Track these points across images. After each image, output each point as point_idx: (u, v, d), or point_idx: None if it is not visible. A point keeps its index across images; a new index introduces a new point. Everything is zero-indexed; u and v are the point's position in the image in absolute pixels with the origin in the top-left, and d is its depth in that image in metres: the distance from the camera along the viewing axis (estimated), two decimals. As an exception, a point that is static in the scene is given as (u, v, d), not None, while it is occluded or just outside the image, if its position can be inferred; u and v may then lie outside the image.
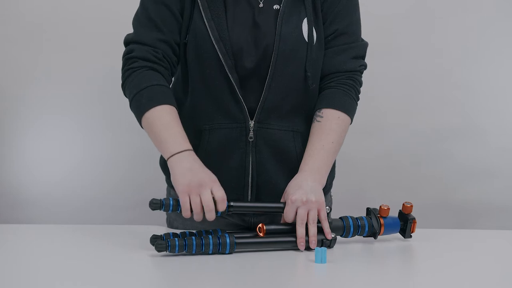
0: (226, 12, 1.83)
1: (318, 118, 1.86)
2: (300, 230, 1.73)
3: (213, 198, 1.69)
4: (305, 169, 1.81)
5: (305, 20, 1.84)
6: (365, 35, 2.01)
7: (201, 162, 1.75)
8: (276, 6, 1.84)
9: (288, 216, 1.75)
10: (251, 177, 1.87)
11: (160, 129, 1.75)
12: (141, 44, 1.81)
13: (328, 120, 1.85)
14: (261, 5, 1.84)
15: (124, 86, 1.84)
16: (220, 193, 1.69)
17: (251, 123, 1.84)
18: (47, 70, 2.62)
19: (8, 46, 2.61)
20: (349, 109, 1.88)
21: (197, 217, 1.70)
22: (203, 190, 1.69)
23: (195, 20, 1.83)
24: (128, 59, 1.82)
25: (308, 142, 1.85)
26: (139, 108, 1.78)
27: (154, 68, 1.80)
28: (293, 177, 1.83)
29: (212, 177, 1.71)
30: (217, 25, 1.81)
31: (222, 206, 1.69)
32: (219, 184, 1.70)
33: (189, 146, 1.75)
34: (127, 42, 1.85)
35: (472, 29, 2.65)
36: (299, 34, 1.83)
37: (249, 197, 1.88)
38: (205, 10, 1.81)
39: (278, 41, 1.81)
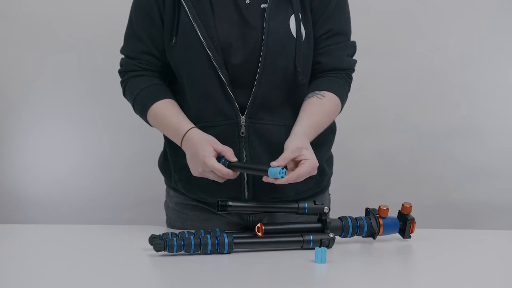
0: (213, 9, 1.85)
1: (319, 96, 1.88)
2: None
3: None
4: (307, 137, 1.81)
5: (292, 17, 1.85)
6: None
7: (195, 141, 1.80)
8: (263, 5, 1.85)
9: (298, 178, 1.74)
10: (247, 174, 1.87)
11: (161, 127, 1.90)
12: (127, 58, 1.94)
13: (330, 102, 1.88)
14: (247, 1, 1.86)
15: (125, 96, 1.97)
16: (219, 172, 1.76)
17: (242, 118, 1.85)
18: (47, 71, 2.62)
19: (9, 47, 2.61)
20: (344, 99, 1.93)
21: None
22: (207, 175, 1.79)
23: (182, 20, 1.85)
24: (120, 73, 1.96)
25: (307, 108, 1.86)
26: (139, 112, 1.92)
27: (142, 74, 1.92)
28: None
29: (204, 161, 1.76)
30: (204, 22, 1.83)
31: (230, 176, 1.77)
32: (213, 163, 1.76)
33: (183, 130, 1.83)
34: (121, 53, 1.96)
35: (472, 29, 2.65)
36: (287, 30, 1.85)
37: (246, 193, 1.88)
38: (190, 9, 1.84)
39: (266, 37, 1.82)
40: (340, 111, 1.93)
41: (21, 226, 2.18)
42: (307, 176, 1.75)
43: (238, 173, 1.79)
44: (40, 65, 2.62)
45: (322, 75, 1.92)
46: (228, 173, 1.77)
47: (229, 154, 1.78)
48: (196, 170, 1.81)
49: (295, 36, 1.85)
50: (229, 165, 1.77)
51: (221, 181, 1.79)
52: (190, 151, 1.82)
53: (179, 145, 1.85)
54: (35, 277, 1.53)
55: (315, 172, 1.76)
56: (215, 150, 1.78)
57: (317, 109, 1.86)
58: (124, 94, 1.96)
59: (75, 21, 2.60)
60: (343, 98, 1.92)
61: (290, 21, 1.85)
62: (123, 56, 1.95)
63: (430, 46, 2.65)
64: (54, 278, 1.53)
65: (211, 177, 1.79)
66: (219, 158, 1.79)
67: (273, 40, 1.83)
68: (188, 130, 1.83)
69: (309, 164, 1.74)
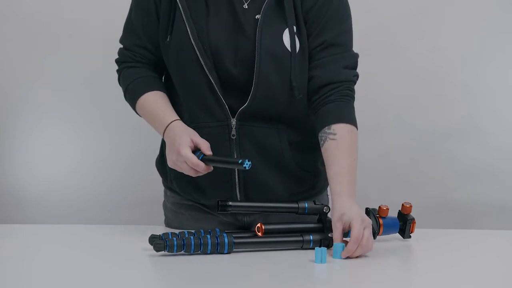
0: (208, 12, 1.84)
1: (331, 136, 1.81)
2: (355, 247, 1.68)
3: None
4: (344, 193, 1.76)
5: (286, 31, 1.82)
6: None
7: (176, 131, 1.81)
8: (258, 16, 1.83)
9: (360, 234, 1.68)
10: (238, 175, 1.87)
11: (147, 118, 1.91)
12: (124, 49, 1.96)
13: (343, 137, 1.81)
14: (245, 6, 1.84)
15: (120, 85, 1.98)
16: (190, 162, 1.76)
17: (233, 120, 1.84)
18: (47, 71, 2.62)
19: (9, 47, 2.61)
20: (355, 119, 1.85)
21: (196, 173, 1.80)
22: (179, 164, 1.79)
23: (177, 20, 1.84)
24: (116, 62, 1.98)
25: (331, 161, 1.80)
26: (130, 102, 1.94)
27: (135, 66, 1.94)
28: (280, 173, 1.87)
29: (178, 149, 1.77)
30: (196, 25, 1.83)
31: (201, 168, 1.76)
32: (187, 152, 1.76)
33: (167, 121, 1.84)
34: (119, 43, 1.98)
35: (472, 29, 2.65)
36: (280, 45, 1.82)
37: (238, 195, 1.88)
38: (185, 10, 1.83)
39: (259, 52, 1.80)
40: (357, 129, 1.85)
41: (21, 226, 2.18)
42: (367, 232, 1.69)
43: (211, 168, 1.78)
44: (40, 65, 2.62)
45: (320, 95, 1.85)
46: (199, 165, 1.76)
47: (205, 147, 1.78)
48: (171, 160, 1.81)
49: (289, 50, 1.82)
50: (203, 158, 1.77)
51: (193, 174, 1.78)
52: (169, 140, 1.82)
53: (162, 136, 1.87)
54: (35, 277, 1.53)
55: (367, 222, 1.71)
56: (192, 142, 1.79)
57: (338, 156, 1.80)
58: (119, 83, 1.98)
59: (75, 21, 2.60)
60: (353, 120, 1.84)
61: (283, 35, 1.82)
62: (121, 46, 1.97)
63: (430, 46, 2.65)
64: (54, 278, 1.53)
65: (184, 168, 1.78)
66: (195, 151, 1.79)
67: (266, 54, 1.81)
68: (172, 121, 1.85)
69: (356, 223, 1.68)
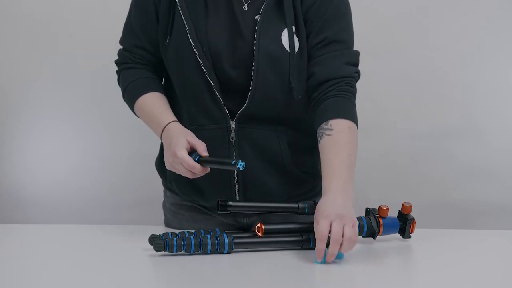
0: (208, 13, 1.83)
1: (327, 132, 1.77)
2: (322, 245, 1.62)
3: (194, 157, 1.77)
4: (331, 189, 1.71)
5: (285, 31, 1.81)
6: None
7: (172, 132, 1.80)
8: (256, 17, 1.81)
9: (322, 230, 1.62)
10: (237, 177, 1.86)
11: (145, 119, 1.91)
12: (123, 50, 1.96)
13: (340, 132, 1.77)
14: (245, 7, 1.83)
15: (119, 84, 1.98)
16: (186, 164, 1.75)
17: (232, 123, 1.84)
18: (47, 71, 2.63)
19: (9, 47, 2.61)
20: (355, 116, 1.82)
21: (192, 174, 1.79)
22: (176, 166, 1.78)
23: (176, 20, 1.83)
24: (116, 63, 1.98)
25: (324, 158, 1.76)
26: (128, 104, 1.94)
27: (134, 67, 1.93)
28: (279, 175, 1.86)
29: (174, 151, 1.76)
30: (195, 25, 1.82)
31: (197, 170, 1.75)
32: (182, 154, 1.75)
33: (164, 123, 1.83)
34: (119, 43, 1.97)
35: (472, 29, 2.65)
36: (279, 45, 1.80)
37: (238, 197, 1.87)
38: (184, 10, 1.82)
39: (257, 53, 1.79)
40: (357, 127, 1.81)
41: (21, 226, 2.18)
42: (336, 226, 1.62)
43: (208, 169, 1.77)
44: (40, 65, 2.62)
45: (321, 91, 1.82)
46: (195, 166, 1.75)
47: (201, 148, 1.77)
48: (167, 161, 1.80)
49: (288, 50, 1.81)
50: (199, 159, 1.77)
51: (190, 176, 1.78)
52: (166, 141, 1.82)
53: (160, 138, 1.86)
54: (35, 277, 1.53)
55: (333, 216, 1.63)
56: (188, 143, 1.78)
57: (332, 152, 1.75)
58: (118, 84, 1.98)
59: (75, 21, 2.61)
60: (352, 116, 1.80)
61: (282, 35, 1.81)
62: (121, 47, 1.96)
63: (430, 46, 2.65)
64: (54, 278, 1.53)
65: (180, 169, 1.77)
66: (192, 152, 1.78)
67: (263, 55, 1.79)
68: (170, 123, 1.84)
69: (320, 220, 1.63)
